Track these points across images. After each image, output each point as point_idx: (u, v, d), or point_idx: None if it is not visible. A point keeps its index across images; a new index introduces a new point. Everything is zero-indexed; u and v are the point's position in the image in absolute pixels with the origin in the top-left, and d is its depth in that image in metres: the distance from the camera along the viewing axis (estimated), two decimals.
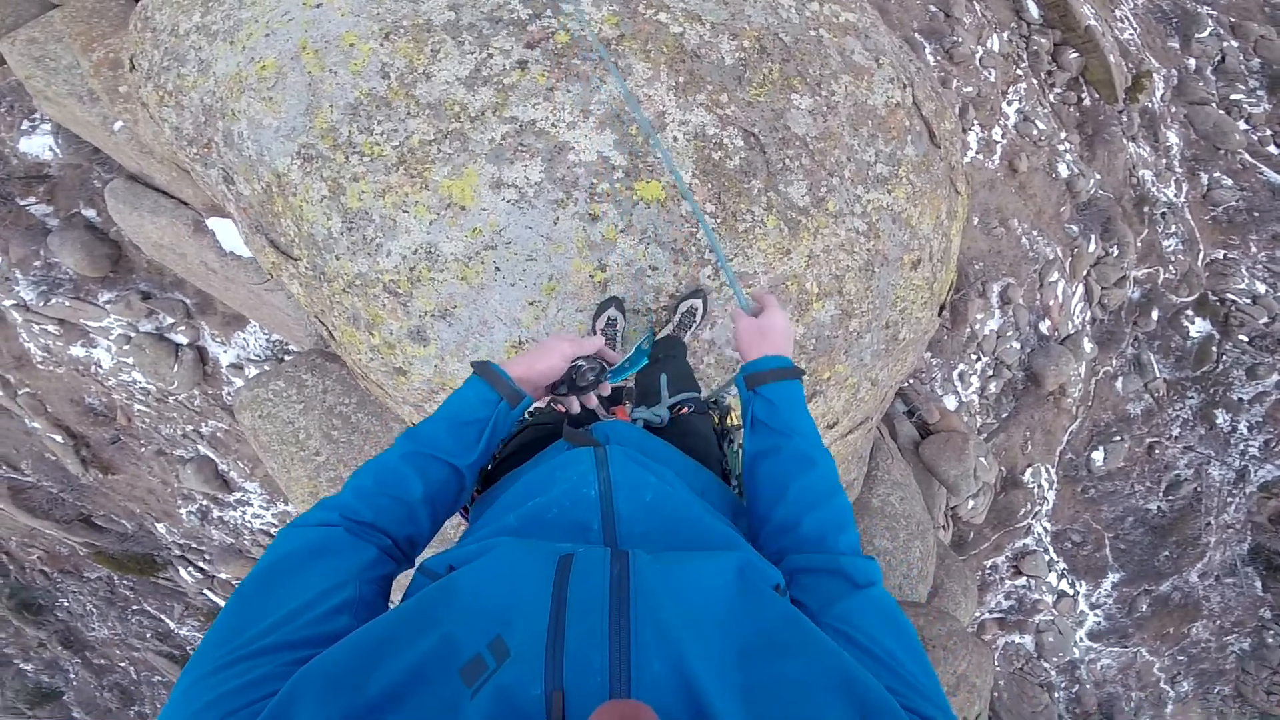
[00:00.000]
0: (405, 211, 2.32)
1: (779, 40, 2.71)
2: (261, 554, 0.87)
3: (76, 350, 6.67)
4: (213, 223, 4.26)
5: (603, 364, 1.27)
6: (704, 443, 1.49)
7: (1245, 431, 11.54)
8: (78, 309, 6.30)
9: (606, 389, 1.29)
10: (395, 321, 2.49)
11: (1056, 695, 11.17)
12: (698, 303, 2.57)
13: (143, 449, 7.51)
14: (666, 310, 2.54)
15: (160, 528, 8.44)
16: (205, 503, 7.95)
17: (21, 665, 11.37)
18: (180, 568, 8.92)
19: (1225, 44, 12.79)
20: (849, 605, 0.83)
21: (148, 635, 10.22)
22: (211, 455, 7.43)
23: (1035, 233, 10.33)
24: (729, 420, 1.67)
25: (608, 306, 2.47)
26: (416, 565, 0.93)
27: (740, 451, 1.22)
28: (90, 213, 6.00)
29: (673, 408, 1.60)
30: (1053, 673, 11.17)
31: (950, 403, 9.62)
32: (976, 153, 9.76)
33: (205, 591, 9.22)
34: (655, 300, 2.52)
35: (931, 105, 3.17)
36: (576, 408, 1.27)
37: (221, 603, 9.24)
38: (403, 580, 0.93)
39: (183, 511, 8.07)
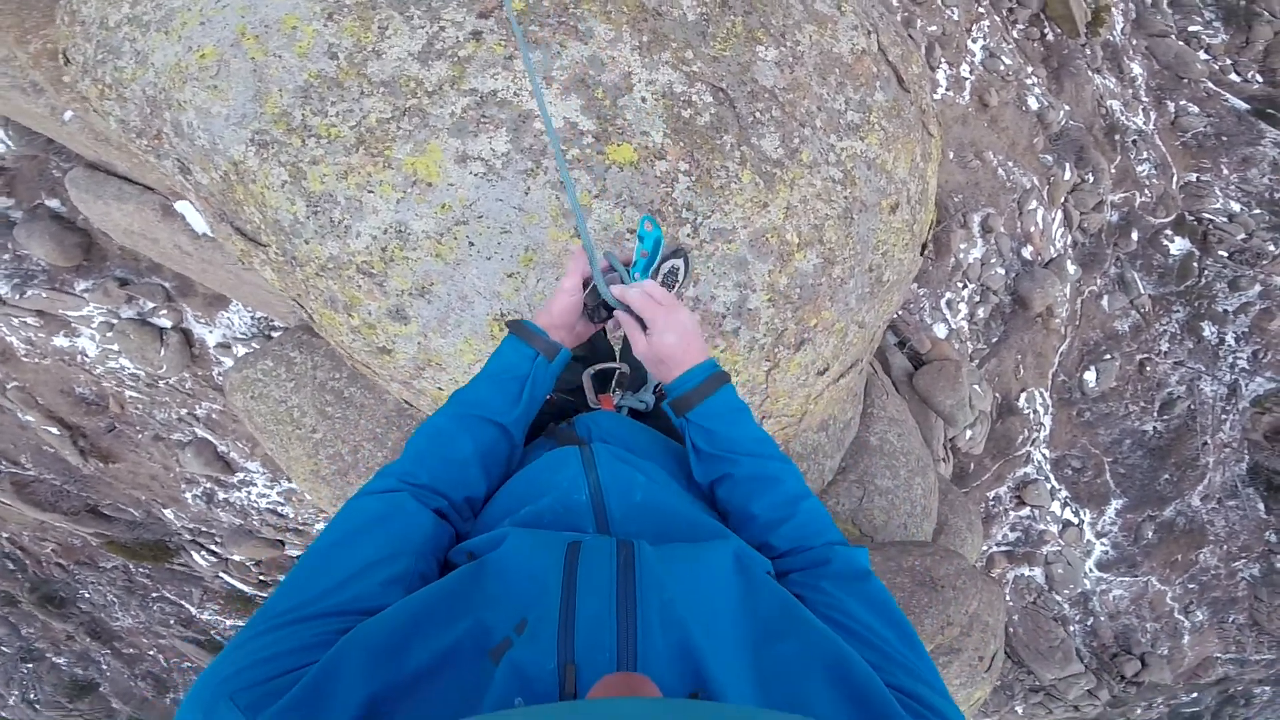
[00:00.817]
0: (370, 191, 2.27)
1: None
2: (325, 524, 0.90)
3: (60, 341, 6.60)
4: (181, 206, 4.15)
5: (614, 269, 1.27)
6: None
7: (1233, 343, 11.62)
8: (55, 299, 6.21)
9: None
10: (373, 302, 2.46)
11: (1072, 629, 11.28)
12: (679, 263, 2.52)
13: (139, 435, 7.49)
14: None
15: (168, 513, 8.45)
16: (209, 485, 7.96)
17: (55, 659, 11.51)
18: (193, 552, 8.96)
19: None
20: (839, 596, 0.85)
21: (172, 622, 10.32)
22: (209, 437, 7.42)
23: (1011, 163, 10.36)
24: None
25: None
26: None
27: None
28: (54, 203, 5.86)
29: (657, 387, 1.58)
30: (1065, 605, 11.27)
31: (940, 331, 9.66)
32: (946, 89, 9.78)
33: (221, 575, 9.30)
34: None
35: (898, 50, 3.10)
36: (620, 334, 1.28)
37: (238, 585, 9.36)
38: None
39: (188, 496, 8.08)
